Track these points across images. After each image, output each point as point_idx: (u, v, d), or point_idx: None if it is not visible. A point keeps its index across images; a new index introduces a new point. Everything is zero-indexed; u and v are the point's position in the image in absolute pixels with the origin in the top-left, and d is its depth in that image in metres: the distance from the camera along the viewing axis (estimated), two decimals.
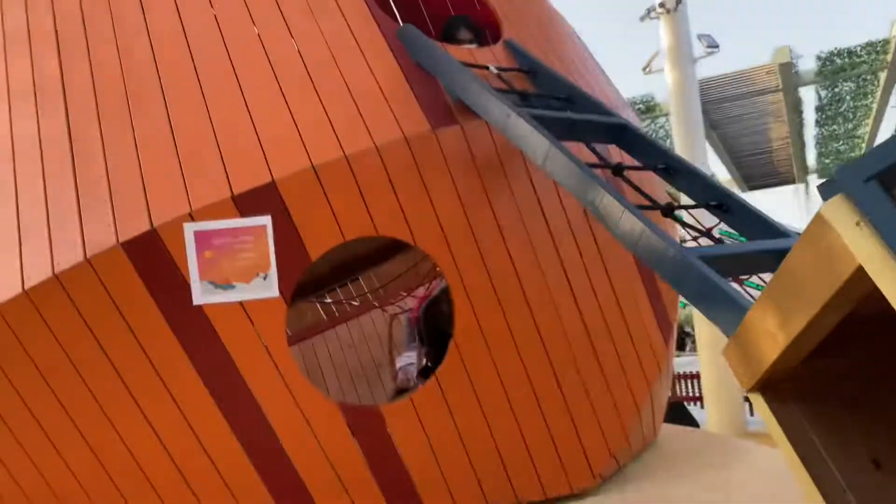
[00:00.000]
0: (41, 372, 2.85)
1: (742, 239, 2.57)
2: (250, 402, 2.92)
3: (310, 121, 2.96)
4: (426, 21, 4.03)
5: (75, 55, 3.20)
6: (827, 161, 25.40)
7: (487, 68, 3.26)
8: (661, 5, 10.43)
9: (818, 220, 1.37)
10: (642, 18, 10.74)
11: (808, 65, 17.42)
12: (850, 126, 21.64)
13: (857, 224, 1.29)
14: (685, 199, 3.01)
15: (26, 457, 3.04)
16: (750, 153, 22.73)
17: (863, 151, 22.99)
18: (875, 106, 19.45)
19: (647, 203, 2.62)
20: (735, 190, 27.49)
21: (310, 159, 2.85)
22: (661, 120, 19.41)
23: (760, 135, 21.44)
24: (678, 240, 3.71)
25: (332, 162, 2.86)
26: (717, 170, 25.41)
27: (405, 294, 6.13)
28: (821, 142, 23.19)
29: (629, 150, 2.99)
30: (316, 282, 6.22)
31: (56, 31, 3.31)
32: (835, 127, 21.79)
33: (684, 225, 2.71)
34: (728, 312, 1.93)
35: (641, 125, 4.38)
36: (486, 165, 3.15)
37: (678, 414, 10.28)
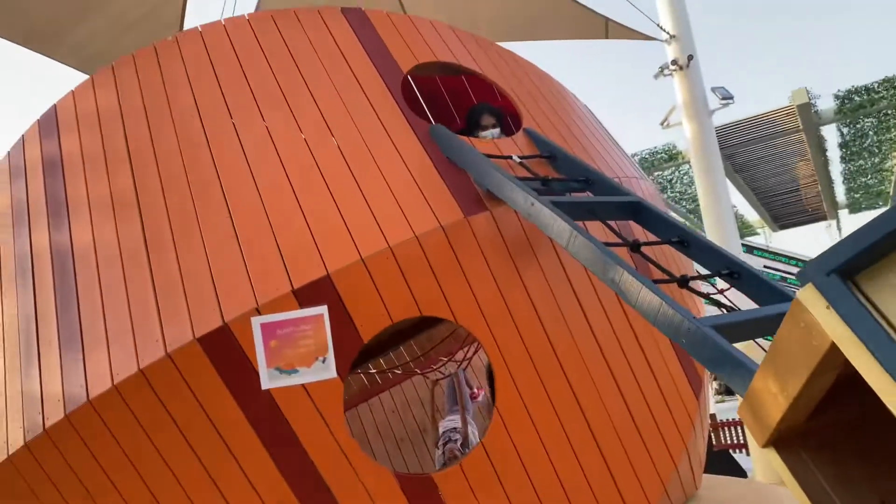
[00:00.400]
0: (129, 457, 3.16)
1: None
2: (315, 476, 3.16)
3: (355, 216, 3.29)
4: (453, 114, 4.41)
5: (146, 169, 3.60)
6: (857, 195, 25.27)
7: (511, 158, 3.61)
8: (674, 62, 10.80)
9: (797, 302, 1.64)
10: (656, 76, 11.09)
11: (826, 104, 17.60)
12: (877, 160, 21.57)
13: (827, 307, 1.56)
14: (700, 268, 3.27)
15: None
16: (777, 193, 22.77)
17: (892, 184, 22.87)
18: None
19: (664, 276, 2.90)
20: (766, 230, 27.43)
21: (358, 252, 3.18)
22: (686, 167, 19.67)
23: (786, 175, 21.50)
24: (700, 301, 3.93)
25: (378, 253, 3.18)
26: (746, 212, 25.45)
27: (445, 359, 6.38)
28: (848, 177, 23.12)
29: (645, 226, 3.29)
30: (361, 353, 6.55)
31: (128, 150, 3.74)
32: (861, 162, 21.75)
33: (701, 294, 2.96)
34: (739, 376, 2.18)
35: (657, 193, 4.66)
36: (516, 246, 3.45)
37: (724, 463, 10.23)
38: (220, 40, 3.99)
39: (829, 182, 22.50)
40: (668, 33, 10.83)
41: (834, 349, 1.58)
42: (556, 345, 3.45)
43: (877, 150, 20.64)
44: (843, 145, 19.97)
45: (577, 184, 3.57)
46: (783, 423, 1.89)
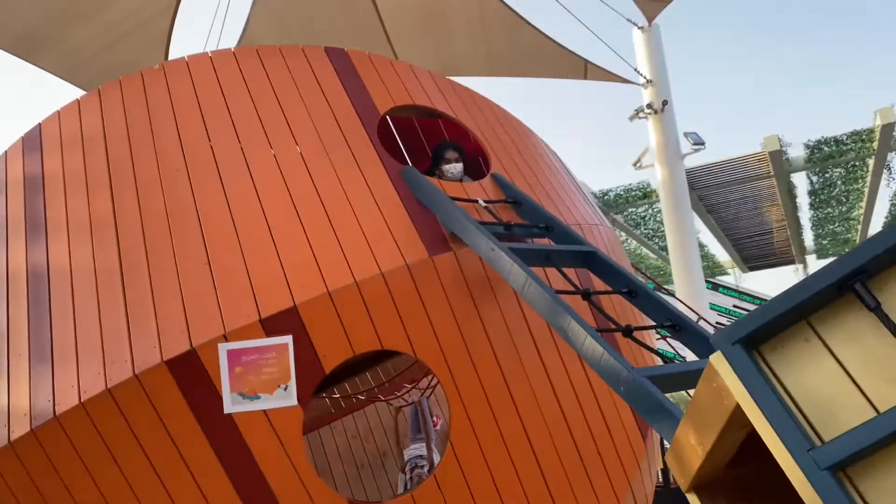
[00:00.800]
0: (91, 474, 3.25)
1: None
2: (270, 498, 3.28)
3: (325, 250, 3.45)
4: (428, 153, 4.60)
5: (125, 193, 3.73)
6: (825, 242, 25.88)
7: (477, 202, 3.80)
8: (649, 106, 11.16)
9: (710, 365, 1.82)
10: (631, 118, 11.45)
11: (797, 152, 18.10)
12: (844, 209, 22.15)
13: (732, 373, 1.75)
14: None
15: None
16: (747, 235, 23.29)
17: (858, 233, 23.49)
18: (866, 189, 20.06)
19: (611, 326, 3.09)
20: (736, 271, 27.92)
21: (325, 285, 3.33)
22: (658, 205, 20.10)
23: (757, 218, 22.01)
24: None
25: (344, 287, 3.34)
26: (717, 252, 25.97)
27: (409, 387, 6.51)
28: (817, 224, 23.69)
29: (598, 274, 3.49)
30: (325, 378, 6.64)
31: (109, 173, 3.87)
32: (829, 210, 22.32)
33: (643, 345, 3.16)
34: (668, 425, 2.36)
35: (616, 239, 4.87)
36: (477, 287, 3.63)
37: (681, 500, 10.40)
38: (205, 72, 4.14)
39: (799, 227, 23.06)
40: (644, 78, 11.20)
41: (739, 410, 1.76)
42: (510, 383, 3.60)
43: (844, 199, 21.22)
44: (812, 193, 20.52)
45: (538, 230, 3.76)
46: (703, 470, 2.05)
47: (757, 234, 23.42)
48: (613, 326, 3.07)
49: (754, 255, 26.09)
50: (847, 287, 1.64)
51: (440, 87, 4.59)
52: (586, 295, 3.20)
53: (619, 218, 20.79)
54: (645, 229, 22.32)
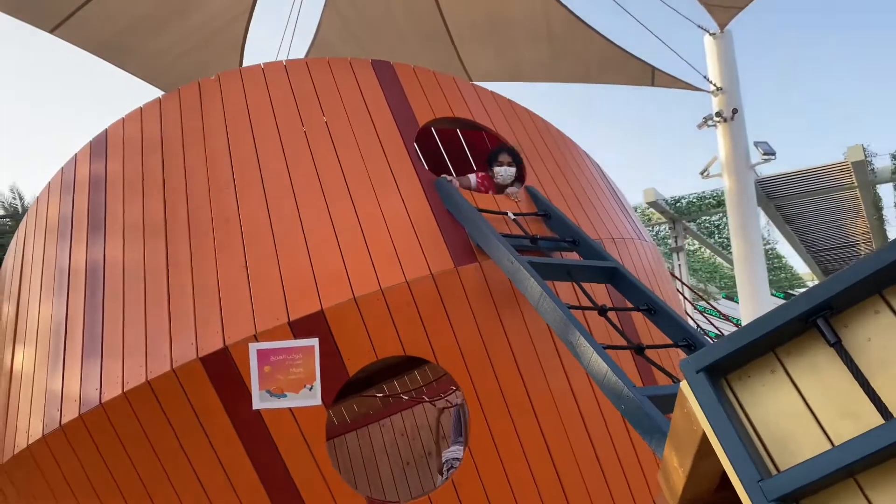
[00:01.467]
0: (131, 459, 3.50)
1: None
2: (294, 493, 3.43)
3: (354, 258, 3.58)
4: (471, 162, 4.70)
5: (177, 201, 3.96)
6: None
7: (506, 214, 3.88)
8: (718, 114, 10.88)
9: (681, 391, 1.86)
10: (700, 126, 11.16)
11: (883, 163, 17.26)
12: None
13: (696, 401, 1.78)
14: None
15: None
16: (829, 248, 22.30)
17: None
18: None
19: (623, 343, 3.12)
20: (814, 282, 26.79)
21: (352, 291, 3.48)
22: None
23: (839, 230, 21.07)
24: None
25: (370, 294, 3.46)
26: (796, 264, 24.96)
27: (454, 388, 6.59)
28: None
29: (620, 290, 3.51)
30: (373, 376, 6.80)
31: (164, 179, 4.13)
32: None
33: (655, 364, 3.16)
34: (661, 445, 2.39)
35: (655, 254, 4.83)
36: (501, 297, 3.69)
37: None
38: (257, 85, 4.35)
39: (885, 240, 21.91)
40: (714, 85, 10.93)
41: (706, 437, 1.80)
42: (532, 395, 3.65)
43: None
44: None
45: (565, 244, 3.81)
46: (687, 493, 2.06)
47: (839, 247, 22.37)
48: (625, 344, 3.09)
49: (835, 269, 24.90)
50: (808, 322, 1.65)
51: (482, 99, 4.68)
52: (602, 311, 3.23)
53: (691, 226, 20.28)
54: (719, 238, 21.69)
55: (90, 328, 3.79)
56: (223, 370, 3.39)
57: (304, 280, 3.54)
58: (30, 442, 3.67)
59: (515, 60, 10.86)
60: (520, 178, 4.51)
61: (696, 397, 1.75)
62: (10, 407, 4.07)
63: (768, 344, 1.72)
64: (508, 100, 4.84)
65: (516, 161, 4.46)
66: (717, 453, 1.71)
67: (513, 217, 3.87)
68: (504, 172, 4.38)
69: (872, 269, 1.59)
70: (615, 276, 3.48)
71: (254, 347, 3.39)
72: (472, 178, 4.51)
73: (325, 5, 9.80)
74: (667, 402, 2.57)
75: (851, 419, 1.57)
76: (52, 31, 8.70)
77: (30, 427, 3.74)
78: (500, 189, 4.41)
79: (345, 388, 3.76)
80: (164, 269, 3.76)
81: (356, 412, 7.15)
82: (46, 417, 3.66)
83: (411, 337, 3.53)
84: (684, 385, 1.82)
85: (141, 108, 4.55)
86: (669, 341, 3.22)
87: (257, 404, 3.40)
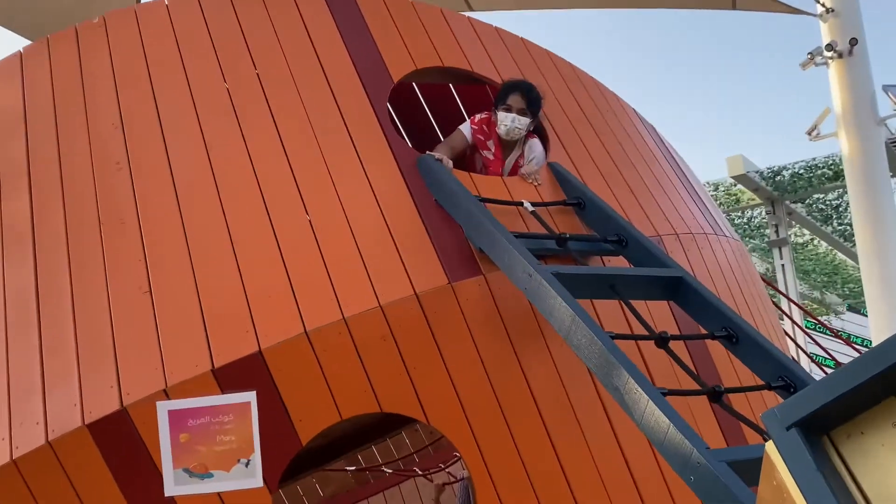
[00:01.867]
0: None
1: None
2: None
3: (305, 274, 3.59)
4: None
5: (49, 198, 3.96)
6: None
7: (521, 204, 3.90)
8: (830, 47, 10.91)
9: (766, 455, 1.89)
10: (804, 65, 11.23)
11: None
12: None
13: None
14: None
15: None
16: None
17: None
18: None
19: (693, 384, 3.15)
20: None
21: (303, 323, 3.48)
22: None
23: None
24: None
25: (329, 326, 3.47)
26: None
27: (456, 456, 6.57)
28: None
29: (687, 309, 3.53)
30: (341, 443, 6.80)
31: (28, 163, 4.12)
32: None
33: (737, 416, 3.19)
34: None
35: (742, 254, 4.86)
36: (516, 322, 3.71)
37: None
38: (159, 26, 4.39)
39: None
40: (823, 5, 10.97)
41: None
42: (563, 459, 3.67)
43: None
44: None
45: (608, 245, 3.83)
46: None
47: None
48: (696, 387, 3.12)
49: None
50: None
51: (483, 40, 4.71)
52: (662, 340, 3.26)
53: (798, 209, 20.24)
54: (839, 225, 21.62)
55: None
56: (120, 441, 3.38)
57: (234, 307, 3.54)
58: None
59: None
60: (541, 148, 4.53)
61: (786, 463, 1.77)
62: None
63: (890, 386, 1.74)
64: (521, 39, 4.88)
65: (533, 109, 4.40)
66: None
67: (531, 209, 3.89)
68: (511, 123, 4.31)
69: None
70: (680, 290, 3.50)
71: (164, 407, 3.38)
72: (465, 127, 4.48)
73: None
74: (753, 468, 2.60)
75: None
76: None
77: None
78: (505, 147, 4.43)
79: (299, 461, 3.75)
80: (33, 294, 3.75)
81: (320, 494, 7.14)
82: None
83: (389, 385, 3.54)
84: (770, 447, 1.84)
85: (2, 61, 4.56)
86: (760, 381, 3.24)
87: (171, 489, 3.38)
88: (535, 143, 4.50)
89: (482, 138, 4.40)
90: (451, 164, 4.13)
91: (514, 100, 4.35)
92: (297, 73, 4.21)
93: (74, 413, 3.40)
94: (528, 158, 4.47)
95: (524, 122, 4.33)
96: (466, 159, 4.52)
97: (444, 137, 5.36)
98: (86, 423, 3.37)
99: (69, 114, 4.20)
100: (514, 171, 4.44)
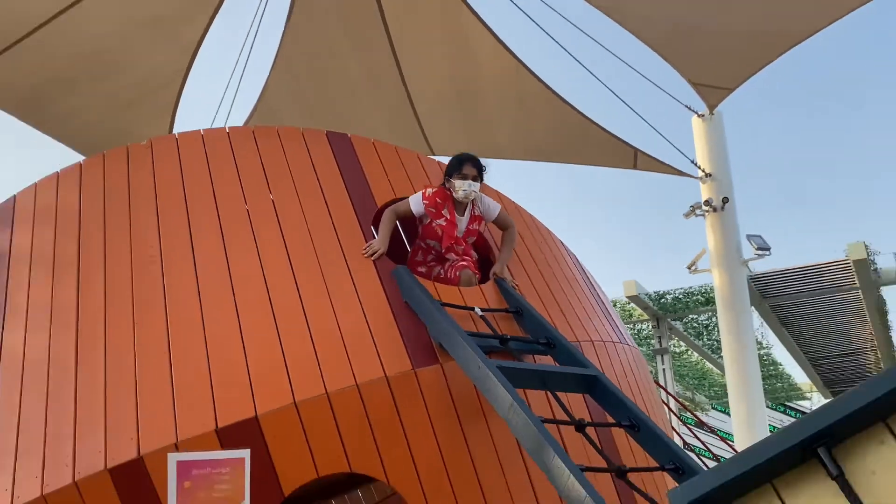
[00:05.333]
0: None
1: None
2: None
3: (297, 355, 3.57)
4: None
5: (93, 282, 3.93)
6: None
7: (473, 310, 3.93)
8: (707, 203, 11.21)
9: None
10: (687, 215, 11.48)
11: (887, 263, 17.84)
12: None
13: None
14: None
15: None
16: (830, 355, 22.72)
17: None
18: None
19: (602, 463, 3.14)
20: (816, 395, 27.15)
21: (293, 395, 3.45)
22: None
23: (841, 335, 21.51)
24: None
25: (314, 399, 3.43)
26: (795, 372, 25.34)
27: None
28: None
29: (599, 402, 3.54)
30: (308, 495, 6.58)
31: (79, 255, 4.10)
32: None
33: (638, 491, 3.16)
34: None
35: (638, 359, 4.90)
36: (465, 405, 3.69)
37: None
38: (195, 152, 4.43)
39: (891, 349, 22.41)
40: (702, 171, 11.31)
41: None
42: None
43: None
44: None
45: (539, 346, 3.85)
46: None
47: (842, 354, 22.81)
48: (604, 464, 3.11)
49: (839, 379, 25.26)
50: (811, 451, 1.70)
51: None
52: (580, 426, 3.26)
53: (677, 325, 20.53)
54: (708, 339, 21.95)
55: None
56: (135, 484, 3.28)
57: (238, 380, 3.49)
58: None
59: (486, 137, 11.13)
60: (489, 199, 4.60)
61: None
62: None
63: (766, 474, 1.76)
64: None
65: (481, 174, 4.42)
66: None
67: (480, 314, 3.92)
68: (468, 187, 4.31)
69: (875, 395, 1.65)
70: (595, 386, 3.52)
71: (174, 458, 3.30)
72: (416, 203, 4.36)
73: (273, 65, 9.98)
74: None
75: None
76: None
77: None
78: (458, 208, 4.38)
79: None
80: (73, 360, 3.69)
81: None
82: None
83: (359, 450, 3.48)
84: None
85: (57, 173, 4.56)
86: (655, 463, 3.23)
87: None
88: (484, 196, 4.53)
89: (434, 210, 4.35)
90: (383, 246, 4.11)
91: (468, 168, 4.37)
92: (304, 197, 4.26)
93: (99, 459, 3.31)
94: (481, 209, 4.50)
95: (476, 185, 4.36)
96: (424, 227, 4.44)
97: (410, 247, 5.36)
98: (107, 467, 3.27)
99: (115, 216, 4.20)
100: (471, 223, 4.47)
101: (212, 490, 3.31)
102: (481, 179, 4.44)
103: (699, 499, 1.78)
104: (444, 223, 4.37)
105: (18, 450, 3.48)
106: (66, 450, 3.39)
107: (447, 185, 4.40)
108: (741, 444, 10.72)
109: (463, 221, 4.43)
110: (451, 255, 4.41)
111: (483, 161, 4.48)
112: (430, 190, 4.40)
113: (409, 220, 4.58)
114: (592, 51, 9.88)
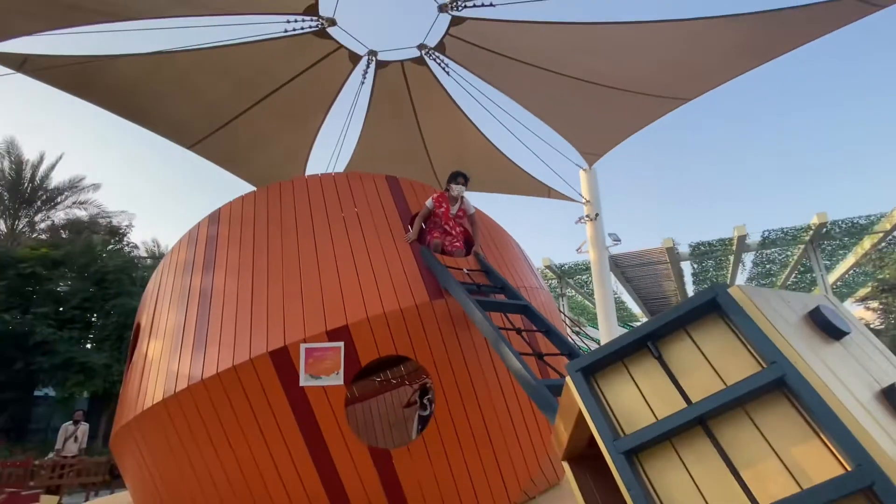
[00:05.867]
0: (218, 416, 3.32)
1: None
2: (321, 441, 3.27)
3: (369, 294, 3.52)
4: None
5: (260, 254, 3.86)
6: None
7: (462, 270, 3.87)
8: (587, 217, 11.15)
9: (567, 383, 1.83)
10: (577, 222, 11.42)
11: (684, 249, 17.79)
12: None
13: (576, 389, 1.77)
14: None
15: (190, 466, 3.43)
16: (652, 298, 22.67)
17: None
18: (729, 276, 19.53)
19: (529, 351, 3.10)
20: (643, 319, 26.97)
21: (367, 313, 3.41)
22: None
23: (658, 288, 21.44)
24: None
25: (377, 315, 3.40)
26: (633, 307, 25.24)
27: (425, 377, 6.38)
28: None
29: (529, 319, 3.49)
30: (376, 369, 6.61)
31: (253, 239, 4.00)
32: (705, 286, 21.60)
33: (550, 366, 3.13)
34: (553, 416, 2.34)
35: (550, 298, 4.82)
36: (459, 322, 3.65)
37: None
38: (315, 186, 4.34)
39: (685, 296, 22.31)
40: (585, 199, 11.23)
41: (581, 412, 1.77)
42: (474, 381, 3.57)
43: (714, 281, 20.56)
44: (694, 274, 20.04)
45: (497, 289, 3.80)
46: (569, 447, 1.99)
47: (658, 298, 22.79)
48: (530, 352, 3.07)
49: (657, 310, 25.24)
50: (643, 343, 1.67)
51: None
52: (519, 332, 3.22)
53: (571, 282, 20.47)
54: (587, 290, 21.91)
55: (199, 331, 3.65)
56: (282, 360, 3.27)
57: (337, 306, 3.46)
58: (154, 402, 3.47)
59: (471, 177, 10.97)
60: (468, 199, 4.36)
61: (575, 387, 1.74)
62: (143, 379, 3.86)
63: (618, 356, 1.73)
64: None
65: (466, 181, 4.28)
66: (588, 422, 1.69)
67: (466, 272, 3.86)
68: (460, 189, 4.17)
69: (677, 314, 1.63)
70: (527, 310, 3.48)
71: (303, 347, 3.29)
72: (430, 201, 4.22)
73: (356, 144, 9.91)
74: (557, 389, 2.54)
75: (668, 404, 1.58)
76: (189, 148, 8.63)
77: (155, 393, 3.55)
78: (451, 202, 4.21)
79: (357, 374, 3.62)
80: (250, 294, 3.66)
81: (362, 390, 6.92)
82: (166, 387, 3.47)
83: (401, 343, 3.46)
84: (569, 379, 1.81)
85: (242, 197, 4.50)
86: (558, 352, 3.21)
87: (303, 382, 3.27)
88: (468, 199, 4.33)
89: (439, 203, 4.19)
90: (415, 235, 3.95)
91: (460, 179, 4.22)
92: (373, 210, 4.17)
93: (263, 346, 3.28)
94: (464, 205, 4.27)
95: (463, 188, 4.20)
96: (433, 214, 4.23)
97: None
98: (268, 350, 3.25)
99: (273, 219, 4.11)
100: (458, 210, 4.26)
101: (323, 363, 3.30)
102: (466, 184, 4.27)
103: (583, 368, 1.76)
104: (444, 210, 4.22)
105: (221, 342, 3.47)
106: (246, 342, 3.36)
107: (446, 188, 4.23)
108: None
109: (454, 209, 4.27)
110: (448, 227, 4.21)
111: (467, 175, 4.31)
112: (435, 194, 4.29)
113: (427, 218, 4.47)
114: (525, 131, 9.71)
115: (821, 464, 1.32)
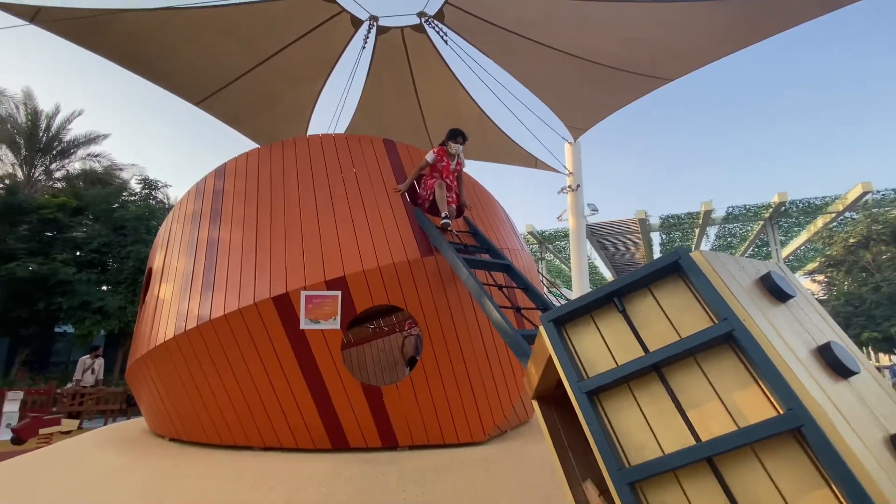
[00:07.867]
0: (225, 353, 3.37)
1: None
2: (319, 378, 3.35)
3: (366, 249, 3.50)
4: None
5: (264, 207, 3.80)
6: None
7: (452, 231, 3.85)
8: (569, 187, 11.09)
9: (540, 332, 1.87)
10: (559, 192, 11.38)
11: (655, 220, 17.91)
12: None
13: (547, 337, 1.81)
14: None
15: (198, 393, 3.50)
16: (624, 264, 22.96)
17: None
18: (693, 247, 19.81)
19: (508, 305, 3.14)
20: None
21: (362, 266, 3.42)
22: None
23: (629, 255, 21.69)
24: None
25: (372, 269, 3.40)
26: (605, 272, 25.60)
27: (414, 325, 6.48)
28: None
29: (510, 277, 3.51)
30: (370, 317, 6.69)
31: (257, 191, 3.93)
32: None
33: (528, 320, 3.18)
34: (526, 361, 2.40)
35: (531, 259, 4.85)
36: (446, 277, 3.67)
37: None
38: (315, 146, 4.23)
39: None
40: (568, 171, 11.13)
41: (551, 357, 1.82)
42: (458, 330, 3.62)
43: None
44: (662, 244, 20.26)
45: (482, 250, 3.80)
46: (539, 388, 2.05)
47: (628, 264, 23.11)
48: (509, 306, 3.12)
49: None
50: (609, 299, 1.70)
51: None
52: (500, 287, 3.25)
53: (550, 247, 20.61)
54: (565, 255, 22.13)
55: (206, 276, 3.63)
56: (284, 305, 3.29)
57: (335, 258, 3.45)
58: (166, 339, 3.49)
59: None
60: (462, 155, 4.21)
61: (547, 336, 1.78)
62: (156, 319, 3.87)
63: (587, 309, 1.76)
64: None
65: (465, 139, 4.13)
66: (557, 367, 1.74)
67: (455, 233, 3.85)
68: (458, 146, 4.04)
69: (642, 274, 1.65)
70: (509, 269, 3.49)
71: (303, 294, 3.30)
72: (430, 154, 4.08)
73: (356, 107, 9.59)
74: (531, 339, 2.59)
75: (628, 353, 1.62)
76: (196, 104, 8.29)
77: (167, 331, 3.57)
78: (451, 158, 4.07)
79: (352, 321, 3.65)
80: (254, 245, 3.62)
81: (357, 336, 7.03)
82: (177, 326, 3.49)
83: (394, 294, 3.48)
84: (542, 329, 1.85)
85: (247, 153, 4.38)
86: (534, 306, 3.25)
87: (303, 326, 3.30)
88: (462, 151, 4.17)
89: (440, 158, 4.06)
90: (406, 186, 3.87)
91: (459, 138, 4.06)
92: (370, 169, 4.09)
93: (267, 292, 3.28)
94: (461, 159, 4.14)
95: (461, 147, 4.07)
96: (433, 168, 4.07)
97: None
98: (271, 296, 3.25)
99: (275, 174, 4.02)
100: (456, 165, 4.13)
101: (322, 309, 3.32)
102: (465, 141, 4.11)
103: (554, 319, 1.79)
104: (444, 164, 4.10)
105: (227, 288, 3.46)
106: (250, 288, 3.36)
107: (446, 145, 4.08)
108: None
109: (452, 164, 4.15)
110: (447, 181, 4.08)
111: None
112: (436, 148, 4.12)
113: (421, 173, 4.23)
114: (517, 102, 9.48)
115: (757, 407, 1.38)
